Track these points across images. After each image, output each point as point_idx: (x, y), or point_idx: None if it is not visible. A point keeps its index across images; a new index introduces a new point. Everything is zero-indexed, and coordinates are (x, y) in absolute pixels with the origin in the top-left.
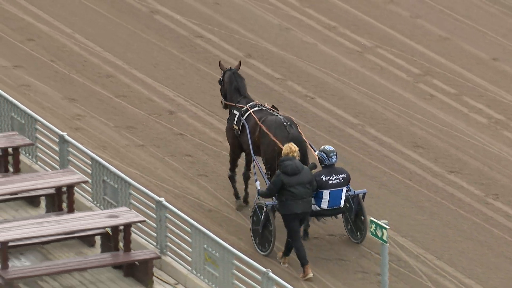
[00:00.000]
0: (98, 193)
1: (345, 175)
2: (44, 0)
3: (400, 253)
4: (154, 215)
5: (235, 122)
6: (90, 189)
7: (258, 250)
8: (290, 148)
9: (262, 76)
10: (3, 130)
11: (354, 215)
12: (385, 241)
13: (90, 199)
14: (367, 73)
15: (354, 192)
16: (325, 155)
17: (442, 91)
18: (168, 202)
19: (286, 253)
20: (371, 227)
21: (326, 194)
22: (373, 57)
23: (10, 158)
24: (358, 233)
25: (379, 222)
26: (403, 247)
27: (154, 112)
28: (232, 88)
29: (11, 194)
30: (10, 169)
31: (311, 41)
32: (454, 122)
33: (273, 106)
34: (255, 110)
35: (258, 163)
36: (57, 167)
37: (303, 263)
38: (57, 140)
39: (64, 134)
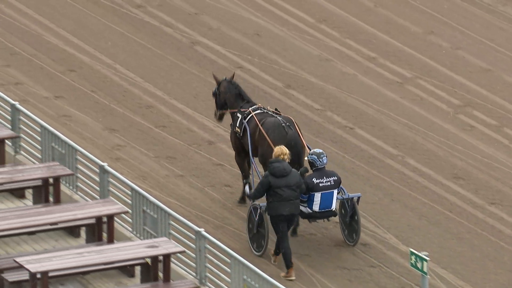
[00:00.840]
0: (138, 224)
1: (336, 178)
2: (86, 32)
3: (441, 285)
4: (194, 246)
5: (237, 125)
6: (130, 220)
7: (253, 250)
8: (281, 151)
9: (301, 107)
10: (44, 160)
11: (349, 218)
12: (425, 273)
13: (130, 229)
14: (407, 104)
15: (349, 195)
16: (315, 157)
17: (482, 123)
18: (207, 233)
19: (277, 252)
20: (411, 259)
21: (317, 196)
22: (413, 88)
23: (51, 188)
24: (354, 234)
25: (419, 254)
26: (443, 279)
27: (194, 143)
28: (234, 95)
29: (51, 224)
30: (51, 199)
31: (351, 72)
32: (494, 153)
33: (276, 110)
34: (256, 113)
35: (256, 165)
36: (97, 197)
37: (288, 265)
38: (98, 170)
39: (105, 164)
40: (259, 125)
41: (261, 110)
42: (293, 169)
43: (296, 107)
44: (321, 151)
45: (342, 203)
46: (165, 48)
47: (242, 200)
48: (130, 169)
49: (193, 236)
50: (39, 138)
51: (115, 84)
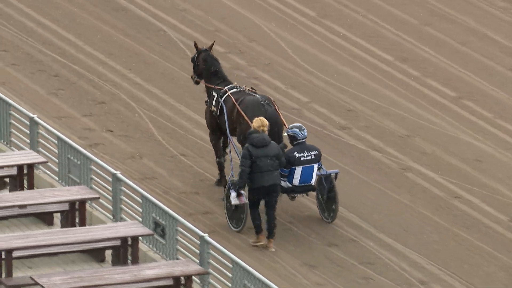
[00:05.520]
0: None
1: (316, 152)
2: None
3: None
4: None
5: (213, 104)
6: None
7: (231, 226)
8: (261, 122)
9: None
10: None
11: (327, 194)
12: None
13: None
14: None
15: (327, 171)
16: (297, 130)
17: None
18: None
19: (257, 230)
20: None
21: (298, 170)
22: None
23: None
24: (331, 211)
25: None
26: None
27: (404, 282)
28: (211, 71)
29: None
30: None
31: None
32: None
33: (251, 89)
34: (233, 92)
35: (234, 144)
36: None
37: (257, 231)
38: None
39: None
40: (236, 104)
41: (237, 89)
42: (272, 141)
43: None
44: (300, 124)
45: (320, 180)
46: (371, 174)
47: (220, 182)
48: None
49: None
50: (229, 275)
51: (313, 217)
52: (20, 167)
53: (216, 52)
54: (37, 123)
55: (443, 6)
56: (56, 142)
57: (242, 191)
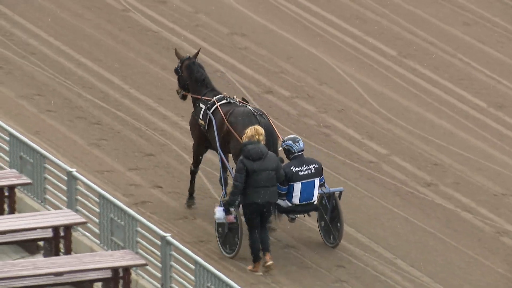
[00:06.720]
0: None
1: (316, 165)
2: (362, 216)
3: None
4: None
5: (200, 117)
6: None
7: (223, 252)
8: (254, 131)
9: None
10: None
11: (330, 215)
12: None
13: None
14: None
15: (330, 190)
16: (291, 142)
17: None
18: None
19: (255, 258)
20: None
21: (297, 187)
22: None
23: None
24: (336, 233)
25: None
26: None
27: None
28: (198, 81)
29: None
30: None
31: None
32: None
33: (243, 99)
34: (222, 104)
35: (225, 160)
36: None
37: (255, 259)
38: None
39: None
40: (225, 118)
41: (227, 100)
42: (270, 152)
43: None
44: (295, 135)
45: (321, 198)
46: (461, 238)
47: (191, 198)
48: None
49: None
50: None
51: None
52: (56, 229)
53: (282, 96)
54: (75, 178)
55: None
56: (97, 200)
57: (233, 209)
